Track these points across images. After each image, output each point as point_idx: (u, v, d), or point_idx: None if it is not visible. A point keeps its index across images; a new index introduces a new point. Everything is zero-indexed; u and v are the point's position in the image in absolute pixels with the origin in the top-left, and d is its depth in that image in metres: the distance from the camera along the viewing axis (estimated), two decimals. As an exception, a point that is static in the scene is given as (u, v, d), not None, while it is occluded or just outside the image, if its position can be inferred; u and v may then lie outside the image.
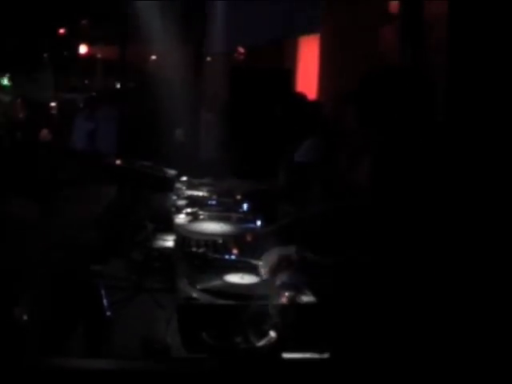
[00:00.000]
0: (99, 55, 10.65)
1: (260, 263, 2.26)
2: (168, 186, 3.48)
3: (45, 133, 7.71)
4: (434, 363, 1.91)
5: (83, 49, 10.65)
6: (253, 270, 2.22)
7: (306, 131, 4.06)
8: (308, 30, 8.75)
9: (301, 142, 4.03)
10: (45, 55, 10.46)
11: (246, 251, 2.44)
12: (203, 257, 2.34)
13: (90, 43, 10.72)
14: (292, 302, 1.91)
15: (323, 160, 3.84)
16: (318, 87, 7.98)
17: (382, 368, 1.68)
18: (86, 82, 10.55)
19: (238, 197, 3.67)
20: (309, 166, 3.85)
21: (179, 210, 3.19)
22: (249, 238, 2.62)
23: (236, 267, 2.23)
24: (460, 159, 2.36)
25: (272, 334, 1.76)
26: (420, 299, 2.07)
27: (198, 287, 2.00)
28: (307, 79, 8.64)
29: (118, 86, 9.89)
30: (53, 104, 9.45)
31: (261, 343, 1.74)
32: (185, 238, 2.62)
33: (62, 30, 10.65)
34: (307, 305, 1.92)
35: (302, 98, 4.38)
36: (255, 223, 2.92)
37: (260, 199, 3.65)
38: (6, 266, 2.03)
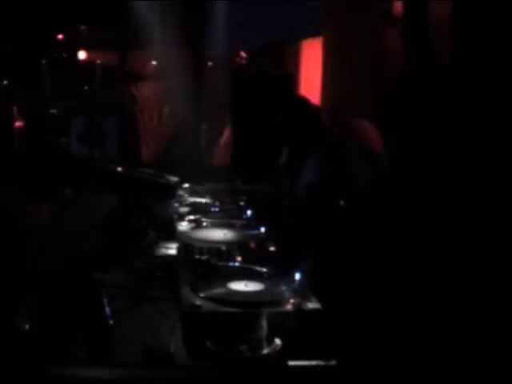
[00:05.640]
0: (98, 61, 10.66)
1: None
2: (170, 193, 3.49)
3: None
4: (437, 365, 1.92)
5: (82, 55, 10.66)
6: (257, 277, 2.22)
7: (307, 139, 4.06)
8: (310, 33, 8.77)
9: (303, 150, 4.03)
10: (43, 61, 10.47)
11: (250, 258, 2.45)
12: (207, 264, 2.35)
13: (89, 49, 10.73)
14: (297, 308, 1.92)
15: (336, 173, 3.86)
16: (321, 92, 8.00)
17: (388, 375, 1.68)
18: (86, 88, 10.55)
19: (242, 203, 3.69)
20: (324, 183, 3.85)
21: (182, 217, 3.20)
22: (253, 245, 2.63)
23: (240, 274, 2.24)
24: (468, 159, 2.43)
25: (277, 341, 1.76)
26: (422, 300, 2.09)
27: (202, 295, 2.00)
28: (310, 84, 8.65)
29: (117, 92, 9.89)
30: (52, 111, 9.47)
31: (266, 351, 1.75)
32: (188, 246, 2.63)
33: (60, 36, 10.67)
34: (312, 311, 1.93)
35: (303, 103, 4.36)
36: (259, 230, 2.93)
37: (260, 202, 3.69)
38: (7, 274, 2.05)
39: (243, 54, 10.06)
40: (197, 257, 2.43)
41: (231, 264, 2.40)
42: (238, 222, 3.13)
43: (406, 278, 2.44)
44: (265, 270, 2.30)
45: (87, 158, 7.27)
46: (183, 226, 3.04)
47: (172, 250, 2.87)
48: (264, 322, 1.77)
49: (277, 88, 7.38)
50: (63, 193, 3.33)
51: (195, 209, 3.47)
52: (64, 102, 9.74)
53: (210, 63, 9.62)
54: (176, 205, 3.55)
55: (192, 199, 3.85)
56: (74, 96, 9.85)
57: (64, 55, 10.74)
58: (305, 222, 3.66)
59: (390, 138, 3.44)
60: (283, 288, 2.07)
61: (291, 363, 1.75)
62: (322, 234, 3.53)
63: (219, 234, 2.85)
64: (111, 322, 1.96)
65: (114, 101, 8.84)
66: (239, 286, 2.12)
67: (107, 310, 1.98)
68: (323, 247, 3.48)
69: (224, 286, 2.11)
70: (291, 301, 1.95)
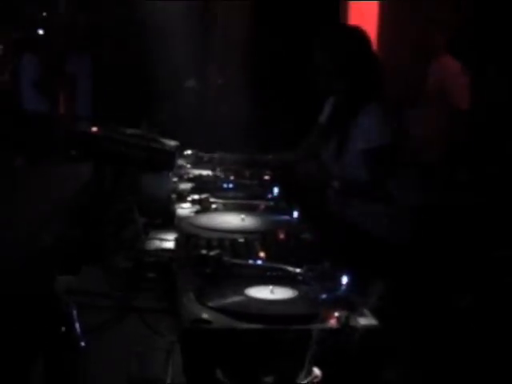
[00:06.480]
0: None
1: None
2: (167, 162, 3.49)
3: None
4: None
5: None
6: (288, 280, 2.23)
7: (363, 86, 4.04)
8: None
9: (356, 102, 4.03)
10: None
11: (278, 254, 2.45)
12: (217, 262, 2.35)
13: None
14: (345, 325, 1.92)
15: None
16: (379, 18, 7.95)
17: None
18: (44, 14, 10.56)
19: (266, 177, 3.69)
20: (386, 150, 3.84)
21: (182, 196, 3.21)
22: (281, 236, 2.63)
23: (264, 277, 2.25)
24: None
25: (316, 371, 1.76)
26: None
27: (211, 305, 2.01)
28: (364, 7, 8.59)
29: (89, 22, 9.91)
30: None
31: (301, 385, 1.75)
32: (190, 237, 2.64)
33: None
34: (366, 329, 1.92)
35: (358, 35, 4.31)
36: (290, 214, 2.93)
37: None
38: None
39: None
40: (203, 252, 2.43)
41: (251, 262, 2.40)
42: (261, 204, 3.14)
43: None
44: (298, 270, 2.30)
45: (47, 113, 7.31)
46: (184, 208, 3.05)
47: (168, 242, 2.88)
48: (298, 344, 1.77)
49: (321, 11, 7.31)
50: (14, 163, 3.35)
51: (201, 185, 3.48)
52: (12, 33, 9.75)
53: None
54: (174, 179, 3.56)
55: (197, 172, 3.86)
56: (26, 25, 9.86)
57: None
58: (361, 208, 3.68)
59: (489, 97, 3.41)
60: (324, 296, 2.07)
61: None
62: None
63: (234, 220, 2.86)
64: (83, 343, 1.96)
65: (84, 34, 8.85)
66: (263, 292, 2.13)
67: (77, 326, 1.98)
68: (382, 244, 3.50)
69: (241, 292, 2.12)
70: (336, 314, 1.95)
